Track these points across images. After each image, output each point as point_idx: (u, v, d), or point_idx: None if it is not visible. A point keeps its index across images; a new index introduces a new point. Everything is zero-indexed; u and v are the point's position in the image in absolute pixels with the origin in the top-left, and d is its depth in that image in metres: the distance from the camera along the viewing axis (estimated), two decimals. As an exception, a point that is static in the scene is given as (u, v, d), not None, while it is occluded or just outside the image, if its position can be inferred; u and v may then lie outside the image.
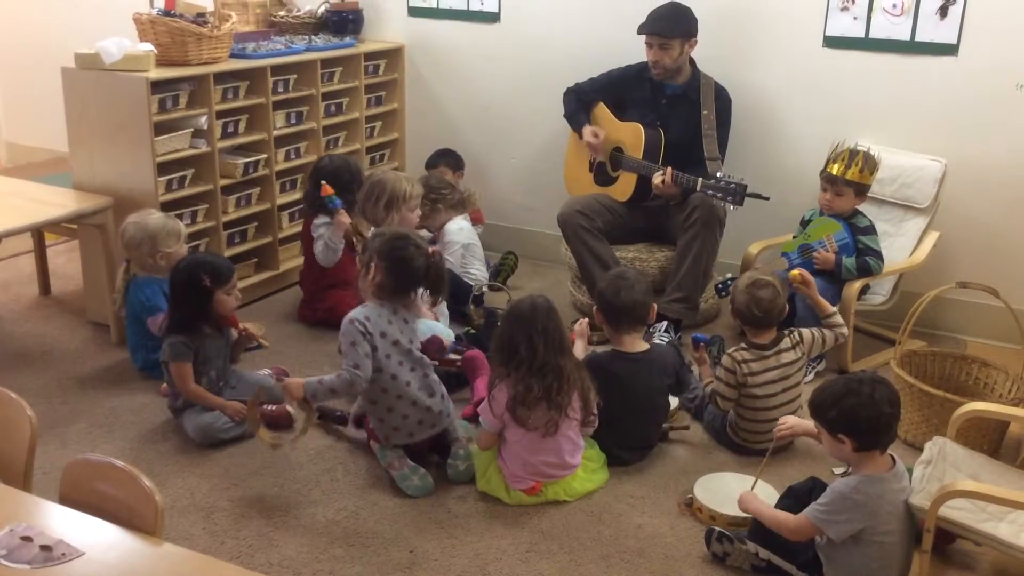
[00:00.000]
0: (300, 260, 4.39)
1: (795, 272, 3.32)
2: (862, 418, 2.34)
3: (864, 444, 2.37)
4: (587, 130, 4.20)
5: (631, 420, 3.06)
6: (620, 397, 2.99)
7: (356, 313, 2.92)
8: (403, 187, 3.87)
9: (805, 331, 3.20)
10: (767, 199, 3.72)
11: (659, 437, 3.20)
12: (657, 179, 3.87)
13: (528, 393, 2.77)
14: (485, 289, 4.13)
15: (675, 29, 3.96)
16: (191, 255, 3.32)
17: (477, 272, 4.20)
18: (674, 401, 3.35)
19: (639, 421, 3.09)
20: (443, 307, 3.74)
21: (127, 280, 3.52)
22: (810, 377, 3.57)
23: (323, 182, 3.93)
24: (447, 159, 4.71)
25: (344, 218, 3.86)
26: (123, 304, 3.55)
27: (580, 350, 3.21)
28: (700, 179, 3.75)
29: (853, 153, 3.70)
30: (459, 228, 4.20)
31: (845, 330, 3.30)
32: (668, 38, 3.96)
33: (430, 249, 3.02)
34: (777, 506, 2.62)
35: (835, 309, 3.32)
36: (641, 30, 4.00)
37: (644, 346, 3.13)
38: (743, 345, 3.16)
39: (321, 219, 3.96)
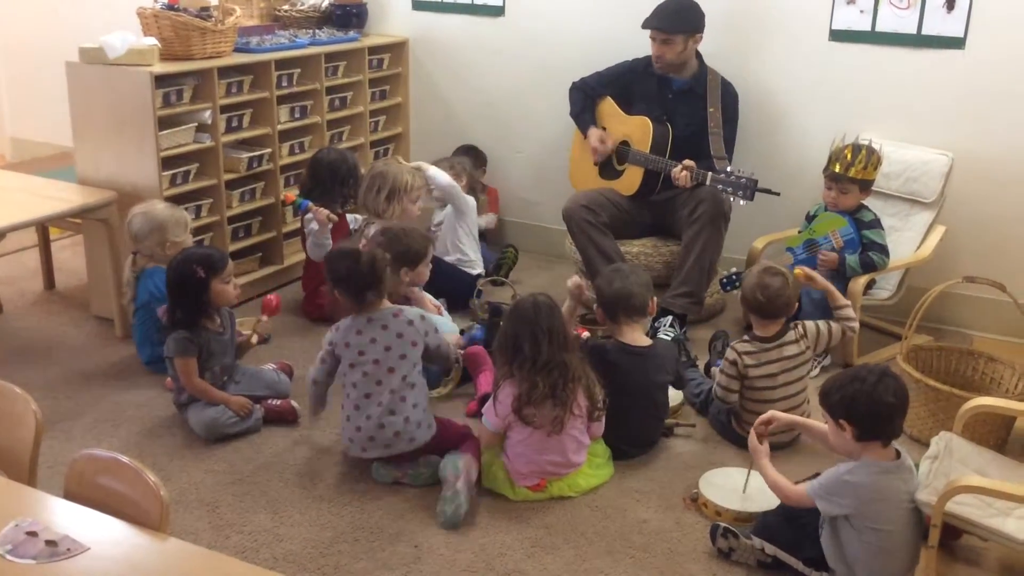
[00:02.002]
0: (304, 255, 4.39)
1: (798, 271, 3.29)
2: (862, 404, 2.36)
3: (864, 433, 2.39)
4: (593, 133, 4.19)
5: (631, 413, 3.05)
6: (620, 389, 2.99)
7: (337, 323, 3.00)
8: (405, 178, 3.88)
9: (810, 324, 3.19)
10: (778, 194, 3.71)
11: (663, 433, 3.19)
12: (678, 171, 3.83)
13: (533, 391, 2.76)
14: (487, 284, 4.14)
15: (677, 25, 3.95)
16: (182, 251, 3.32)
17: (465, 246, 4.22)
18: (678, 397, 3.34)
19: (639, 415, 3.09)
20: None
21: (136, 272, 3.52)
22: (815, 372, 3.56)
23: (284, 193, 4.03)
24: (469, 155, 4.73)
25: (321, 214, 3.85)
26: (132, 297, 3.55)
27: (568, 311, 3.23)
28: (710, 172, 3.74)
29: (856, 149, 3.68)
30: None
31: (856, 323, 3.25)
32: (670, 33, 3.95)
33: (359, 246, 3.10)
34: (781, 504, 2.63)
35: (847, 302, 3.27)
36: (644, 24, 3.99)
37: (646, 341, 3.13)
38: (745, 337, 3.16)
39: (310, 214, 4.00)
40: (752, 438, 2.66)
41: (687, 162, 3.83)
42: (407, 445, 2.90)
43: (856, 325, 3.27)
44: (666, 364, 3.14)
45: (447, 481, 2.81)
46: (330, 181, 4.02)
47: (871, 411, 2.36)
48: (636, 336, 3.10)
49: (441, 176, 4.16)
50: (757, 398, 3.10)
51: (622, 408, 3.00)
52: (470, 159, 4.70)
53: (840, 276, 3.64)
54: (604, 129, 4.23)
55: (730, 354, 3.10)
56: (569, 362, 2.81)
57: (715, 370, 3.31)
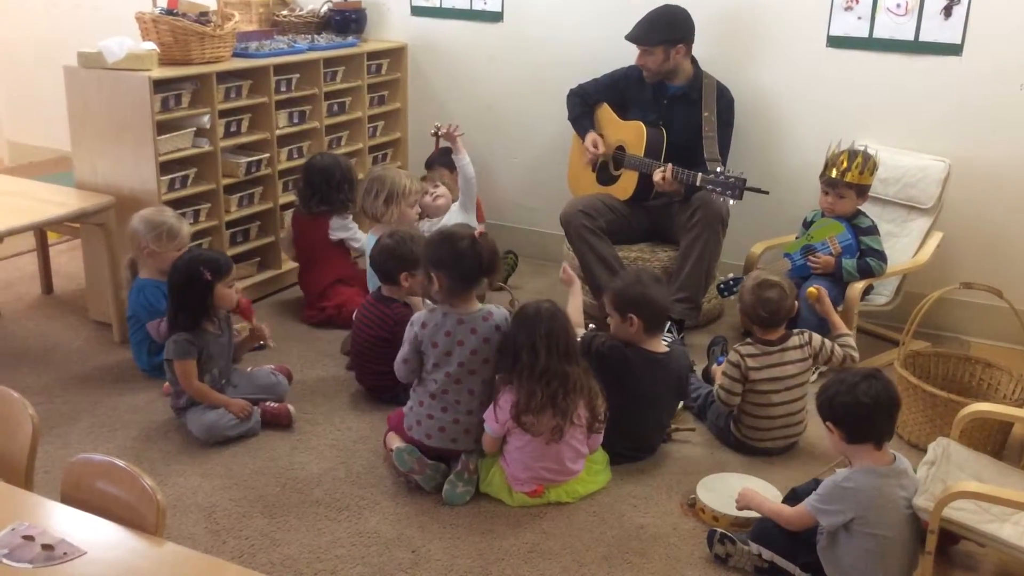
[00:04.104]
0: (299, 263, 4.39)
1: (812, 290, 3.31)
2: (840, 406, 2.41)
3: (851, 435, 2.42)
4: (590, 137, 4.20)
5: (641, 419, 3.06)
6: (636, 395, 3.00)
7: (417, 317, 2.95)
8: (402, 182, 3.89)
9: (816, 336, 3.18)
10: (766, 193, 3.72)
11: (662, 439, 3.19)
12: (658, 175, 3.87)
13: (531, 399, 2.75)
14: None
15: (652, 37, 3.96)
16: (187, 252, 3.32)
17: None
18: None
19: (649, 421, 3.10)
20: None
21: (130, 274, 3.53)
22: (813, 378, 3.55)
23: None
24: (445, 159, 4.70)
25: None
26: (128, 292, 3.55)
27: (576, 305, 3.24)
28: (700, 174, 3.75)
29: (852, 154, 3.69)
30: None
31: (856, 353, 3.23)
32: (647, 45, 3.98)
33: (476, 232, 2.96)
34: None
35: (849, 331, 3.28)
36: (626, 36, 4.02)
37: (663, 347, 3.12)
38: (748, 340, 3.16)
39: (338, 221, 4.06)
40: (742, 492, 2.69)
41: (667, 166, 3.85)
42: (471, 444, 2.94)
43: (857, 355, 3.23)
44: (682, 371, 3.16)
45: (466, 463, 2.90)
46: (324, 186, 4.04)
47: (850, 413, 2.40)
48: (656, 344, 3.10)
49: (470, 167, 4.17)
50: (758, 402, 3.10)
51: (634, 414, 3.02)
52: (443, 170, 4.65)
53: (837, 281, 3.65)
54: (601, 135, 4.24)
55: (733, 356, 3.10)
56: (570, 373, 2.78)
57: (716, 368, 3.32)
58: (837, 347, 3.19)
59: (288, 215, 4.44)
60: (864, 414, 2.39)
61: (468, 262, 2.87)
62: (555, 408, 2.76)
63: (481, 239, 2.92)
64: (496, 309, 2.98)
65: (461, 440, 2.94)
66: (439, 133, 4.24)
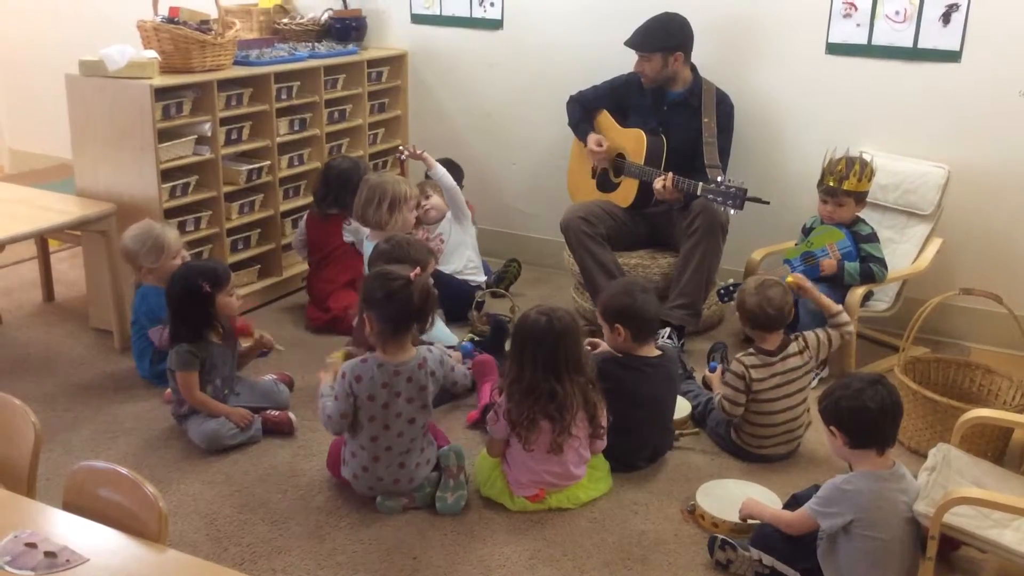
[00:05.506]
0: (303, 267, 4.39)
1: (790, 279, 3.32)
2: (844, 409, 2.42)
3: (854, 440, 2.43)
4: (592, 138, 4.21)
5: (649, 425, 3.07)
6: (638, 401, 3.00)
7: (351, 369, 2.77)
8: (402, 188, 3.88)
9: (810, 334, 3.20)
10: (767, 203, 3.73)
11: (670, 444, 3.20)
12: (658, 184, 3.88)
13: (520, 413, 2.74)
14: (486, 295, 4.15)
15: (650, 44, 3.98)
16: (184, 264, 3.32)
17: (471, 250, 4.26)
18: (686, 407, 3.34)
19: (655, 425, 3.11)
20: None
21: (135, 283, 3.54)
22: (814, 384, 3.56)
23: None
24: (447, 169, 4.71)
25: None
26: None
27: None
28: (700, 184, 3.76)
29: (850, 162, 3.70)
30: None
31: (851, 327, 3.26)
32: (646, 52, 4.00)
33: (411, 274, 2.76)
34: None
35: (840, 308, 3.31)
36: (625, 42, 4.03)
37: (656, 352, 3.13)
38: (751, 351, 3.16)
39: (354, 223, 4.02)
40: (743, 503, 2.71)
41: (667, 174, 3.86)
42: (409, 485, 2.85)
43: (852, 329, 3.28)
44: (676, 371, 3.19)
45: (449, 470, 2.86)
46: (341, 189, 4.05)
47: (854, 418, 2.41)
48: (649, 349, 3.10)
49: (448, 177, 4.17)
50: (760, 410, 3.11)
51: (642, 422, 3.03)
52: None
53: (838, 284, 3.65)
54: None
55: (737, 368, 3.10)
56: (558, 390, 2.74)
57: (711, 376, 3.32)
58: (833, 333, 3.22)
59: (290, 220, 4.46)
60: (869, 419, 2.39)
61: (398, 305, 2.71)
62: (552, 422, 2.75)
63: (416, 280, 2.75)
64: (429, 353, 2.85)
65: (402, 485, 2.85)
66: (403, 157, 4.25)
